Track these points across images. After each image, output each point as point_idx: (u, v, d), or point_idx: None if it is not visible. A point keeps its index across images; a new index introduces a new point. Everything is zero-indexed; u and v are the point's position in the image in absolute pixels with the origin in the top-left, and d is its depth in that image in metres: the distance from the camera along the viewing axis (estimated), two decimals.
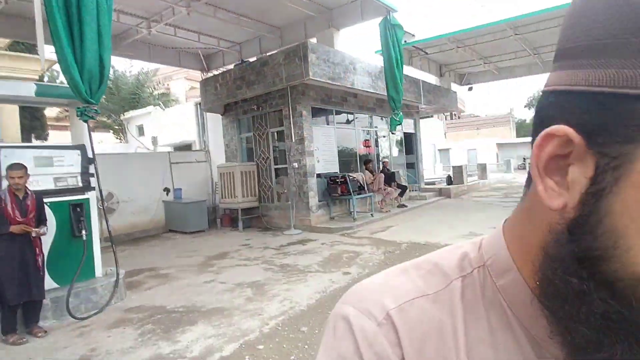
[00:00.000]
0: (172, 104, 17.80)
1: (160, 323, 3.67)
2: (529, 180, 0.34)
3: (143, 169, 9.08)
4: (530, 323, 0.34)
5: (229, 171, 8.87)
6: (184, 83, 19.90)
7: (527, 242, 0.34)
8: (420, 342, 0.35)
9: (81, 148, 4.47)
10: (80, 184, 4.46)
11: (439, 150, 25.08)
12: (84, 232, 4.24)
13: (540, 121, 0.31)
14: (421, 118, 13.47)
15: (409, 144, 12.66)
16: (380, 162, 10.34)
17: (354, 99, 9.51)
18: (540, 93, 0.33)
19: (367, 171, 9.41)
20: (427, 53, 12.02)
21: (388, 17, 7.59)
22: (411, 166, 12.65)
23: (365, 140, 10.36)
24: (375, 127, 10.69)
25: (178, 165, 9.78)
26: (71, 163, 4.39)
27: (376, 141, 10.84)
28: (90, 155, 4.45)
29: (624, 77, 0.25)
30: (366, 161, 9.72)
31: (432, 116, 14.76)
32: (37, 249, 3.66)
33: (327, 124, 9.02)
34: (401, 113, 8.05)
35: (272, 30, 9.30)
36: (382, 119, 10.70)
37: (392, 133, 8.42)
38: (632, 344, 0.27)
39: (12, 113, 9.14)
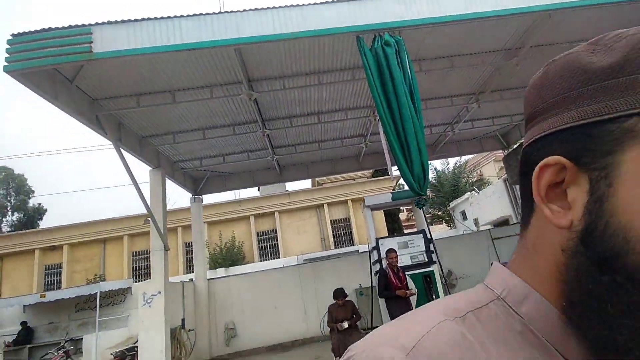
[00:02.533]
0: (486, 187, 18.98)
1: None
2: (524, 222, 0.39)
3: (469, 248, 10.25)
4: (562, 346, 0.34)
5: None
6: (493, 165, 20.92)
7: (539, 272, 0.36)
8: None
9: (422, 232, 6.30)
10: (426, 259, 6.16)
11: None
12: (434, 296, 5.72)
13: (528, 166, 0.37)
14: None
15: None
16: None
17: None
18: (522, 148, 0.39)
19: None
20: None
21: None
22: None
23: None
24: None
25: (499, 240, 10.26)
26: (419, 244, 6.26)
27: None
28: (428, 236, 6.19)
29: (592, 111, 0.33)
30: None
31: None
32: (411, 307, 5.22)
33: None
34: None
35: None
36: None
37: None
38: None
39: (381, 220, 13.55)
